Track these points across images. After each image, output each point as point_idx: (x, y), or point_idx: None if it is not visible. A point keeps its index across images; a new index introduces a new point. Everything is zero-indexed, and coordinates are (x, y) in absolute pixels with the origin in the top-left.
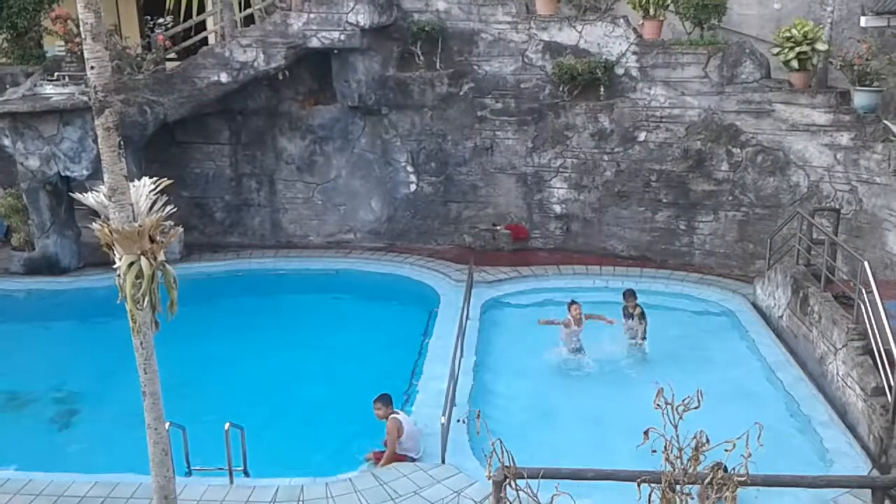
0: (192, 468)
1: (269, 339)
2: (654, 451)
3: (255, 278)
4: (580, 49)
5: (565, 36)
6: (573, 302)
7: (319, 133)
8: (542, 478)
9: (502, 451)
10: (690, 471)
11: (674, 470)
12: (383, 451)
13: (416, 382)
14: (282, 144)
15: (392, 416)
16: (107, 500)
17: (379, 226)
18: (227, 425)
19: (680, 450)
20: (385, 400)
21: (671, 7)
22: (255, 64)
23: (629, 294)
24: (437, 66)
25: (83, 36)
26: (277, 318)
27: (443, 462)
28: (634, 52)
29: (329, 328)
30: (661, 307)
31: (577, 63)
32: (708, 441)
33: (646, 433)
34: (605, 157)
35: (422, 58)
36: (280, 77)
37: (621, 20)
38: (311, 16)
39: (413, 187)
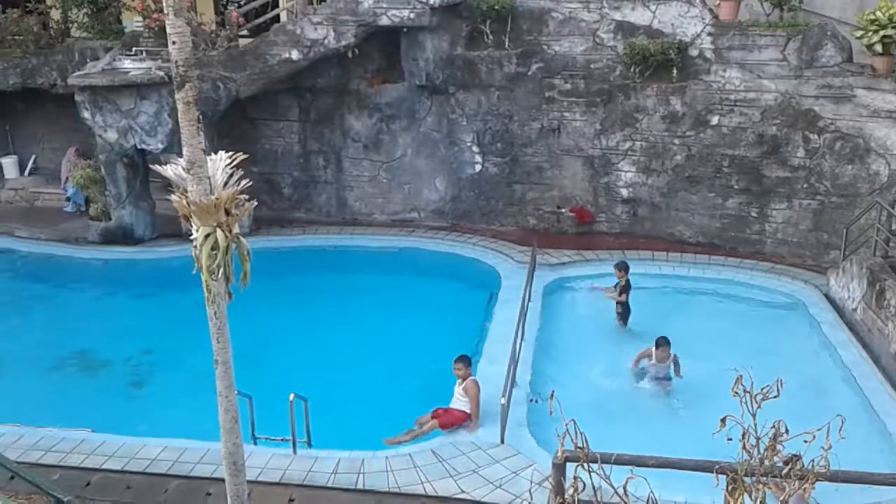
0: (257, 437)
1: (332, 314)
2: (730, 440)
3: (320, 254)
4: (653, 29)
5: (638, 16)
6: (621, 268)
7: (386, 111)
8: (604, 462)
9: (576, 433)
10: (767, 462)
11: (751, 459)
12: (435, 410)
13: (477, 363)
14: (349, 122)
15: (471, 377)
16: (175, 465)
17: (443, 205)
18: (291, 396)
19: (757, 439)
20: (466, 360)
21: None
22: (326, 41)
23: (621, 266)
24: (506, 45)
25: (166, 12)
26: (341, 293)
27: (502, 442)
28: (710, 34)
29: (391, 306)
30: (730, 296)
31: (649, 44)
32: (787, 431)
33: (723, 420)
34: (676, 141)
35: (490, 37)
36: (349, 55)
37: (697, 0)
38: None
39: (478, 167)
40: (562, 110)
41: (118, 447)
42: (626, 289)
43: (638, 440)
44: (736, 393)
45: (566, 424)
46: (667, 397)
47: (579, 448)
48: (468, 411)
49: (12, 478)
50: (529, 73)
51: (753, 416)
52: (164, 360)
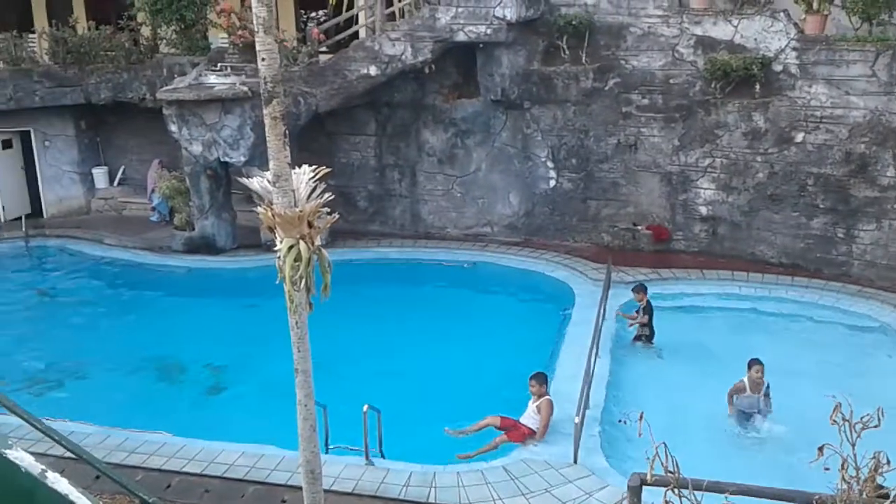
0: (331, 446)
1: (405, 327)
2: (828, 469)
3: (394, 266)
4: (735, 44)
5: (720, 30)
6: (639, 290)
7: (461, 126)
8: (682, 487)
9: (666, 456)
10: (867, 494)
11: (850, 491)
12: (507, 418)
13: (549, 380)
14: (424, 137)
15: (546, 395)
16: (252, 471)
17: (516, 220)
18: (365, 407)
19: (857, 470)
20: (542, 378)
21: (836, 1)
22: (403, 57)
23: (639, 288)
24: (583, 60)
25: (256, 29)
26: (414, 306)
27: (575, 462)
28: (794, 48)
29: (463, 320)
30: (814, 320)
31: (731, 59)
32: (888, 462)
33: (820, 449)
34: (758, 158)
35: (567, 52)
36: (426, 70)
37: (781, 14)
38: (459, 10)
39: (552, 183)
40: (639, 126)
41: (198, 451)
42: (647, 310)
43: (720, 465)
44: (834, 421)
45: (656, 447)
46: (754, 428)
47: (670, 472)
48: (535, 429)
49: (98, 477)
50: (606, 89)
51: (853, 445)
52: (242, 367)
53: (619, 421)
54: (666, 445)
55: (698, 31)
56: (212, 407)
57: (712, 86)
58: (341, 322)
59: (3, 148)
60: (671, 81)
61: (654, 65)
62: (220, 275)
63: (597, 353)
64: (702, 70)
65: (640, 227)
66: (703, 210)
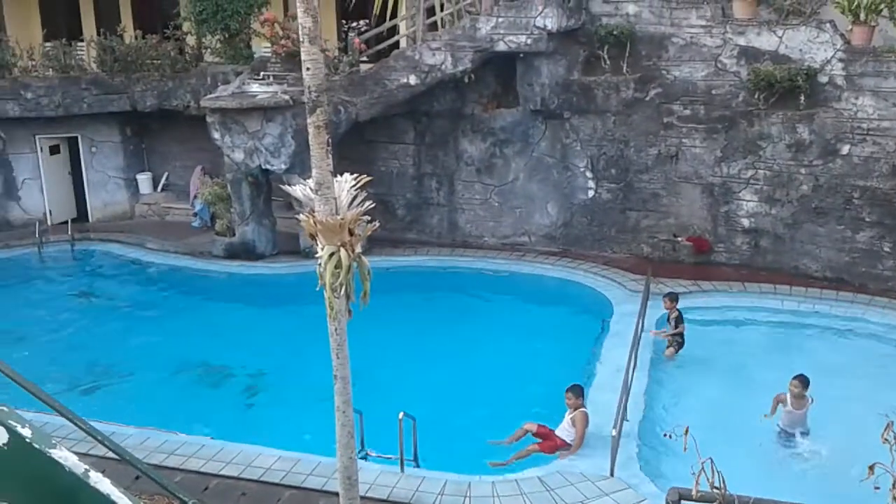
0: (366, 452)
1: (441, 335)
2: (878, 489)
3: (431, 275)
4: (779, 55)
5: (764, 41)
6: (672, 298)
7: (500, 136)
8: None
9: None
10: None
11: None
12: (543, 426)
13: (586, 391)
14: (463, 146)
15: (582, 408)
16: (288, 475)
17: (554, 230)
18: (400, 415)
19: None
20: (578, 390)
21: (885, 12)
22: (443, 67)
23: (673, 297)
24: (624, 70)
25: (301, 39)
26: (451, 314)
27: (611, 475)
28: (841, 60)
29: (500, 329)
30: (858, 334)
31: (775, 69)
32: None
33: (871, 468)
34: (803, 171)
35: (608, 62)
36: (465, 80)
37: (827, 25)
38: (500, 20)
39: (591, 193)
40: (680, 136)
41: (235, 454)
42: (679, 320)
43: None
44: (886, 440)
45: (702, 462)
46: (797, 444)
47: (716, 488)
48: (569, 442)
49: (138, 478)
50: (647, 99)
51: None
52: (280, 372)
53: (665, 435)
54: (712, 461)
55: (742, 41)
56: (250, 410)
57: (756, 97)
58: (378, 329)
59: (51, 153)
60: (714, 92)
61: (696, 75)
62: (260, 280)
63: (634, 366)
64: (745, 81)
65: (680, 239)
66: (746, 222)
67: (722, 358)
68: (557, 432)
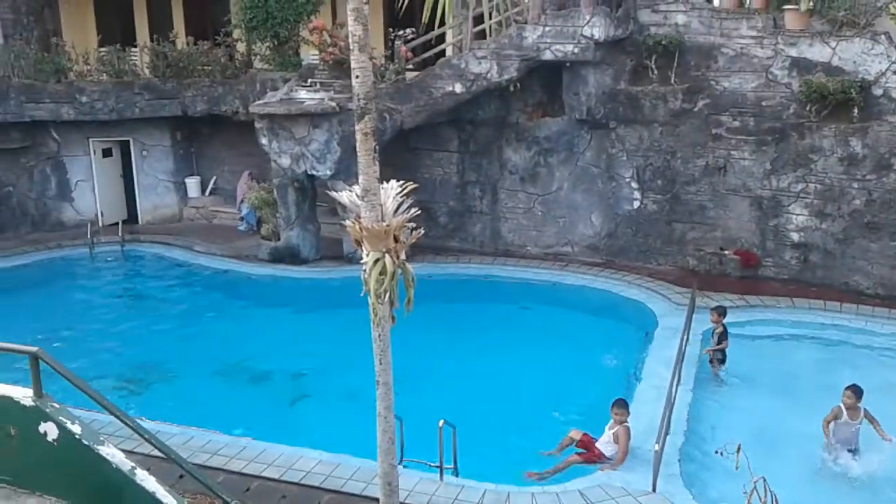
0: (405, 459)
1: (482, 344)
2: None
3: (472, 283)
4: (832, 67)
5: (816, 52)
6: (720, 312)
7: (545, 145)
8: None
9: (765, 491)
10: None
11: None
12: (587, 435)
13: (629, 405)
14: (507, 154)
15: (625, 423)
16: (328, 479)
17: (598, 241)
18: (440, 423)
19: None
20: (625, 405)
21: None
22: (489, 75)
23: (721, 311)
24: (672, 80)
25: (350, 47)
26: (492, 323)
27: (653, 490)
28: None
29: (542, 340)
30: None
31: (828, 81)
32: None
33: None
34: (855, 185)
35: (656, 72)
36: (511, 88)
37: (882, 37)
38: (547, 28)
39: (636, 204)
40: (729, 148)
41: (277, 457)
42: (724, 336)
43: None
44: None
45: (754, 481)
46: (849, 464)
47: None
48: (609, 456)
49: (181, 476)
50: (695, 110)
51: None
52: (321, 375)
53: (717, 452)
54: (765, 480)
55: (793, 52)
56: (291, 412)
57: (807, 109)
58: (418, 336)
59: (104, 156)
60: (764, 104)
61: (746, 86)
62: (304, 284)
63: (679, 380)
64: (796, 92)
65: (727, 252)
66: (795, 236)
67: (769, 375)
68: (598, 445)
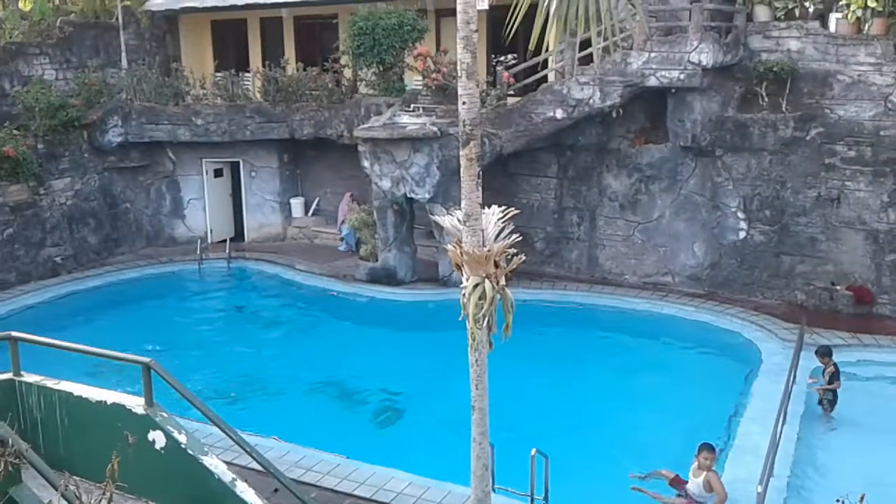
0: (496, 486)
1: (577, 373)
2: None
3: (568, 310)
4: None
5: None
6: (824, 353)
7: (647, 172)
8: None
9: None
10: None
11: None
12: (679, 477)
13: (730, 442)
14: (607, 181)
15: (713, 469)
16: (419, 501)
17: (700, 271)
18: (533, 451)
19: None
20: (714, 450)
21: None
22: (591, 101)
23: (825, 352)
24: (783, 108)
25: (458, 74)
26: (587, 352)
27: None
28: None
29: (638, 370)
30: None
31: None
32: None
33: None
34: None
35: (766, 99)
36: (613, 114)
37: None
38: (652, 55)
39: (742, 234)
40: (843, 179)
41: (369, 475)
42: (835, 376)
43: None
44: None
45: None
46: None
47: None
48: (699, 502)
49: (276, 490)
50: (808, 138)
51: None
52: (414, 397)
53: (838, 501)
54: None
55: None
56: (383, 432)
57: None
58: (512, 362)
59: (215, 176)
60: (882, 133)
61: (863, 115)
62: (399, 305)
63: (784, 420)
64: None
65: (839, 288)
66: None
67: (884, 418)
68: (688, 487)
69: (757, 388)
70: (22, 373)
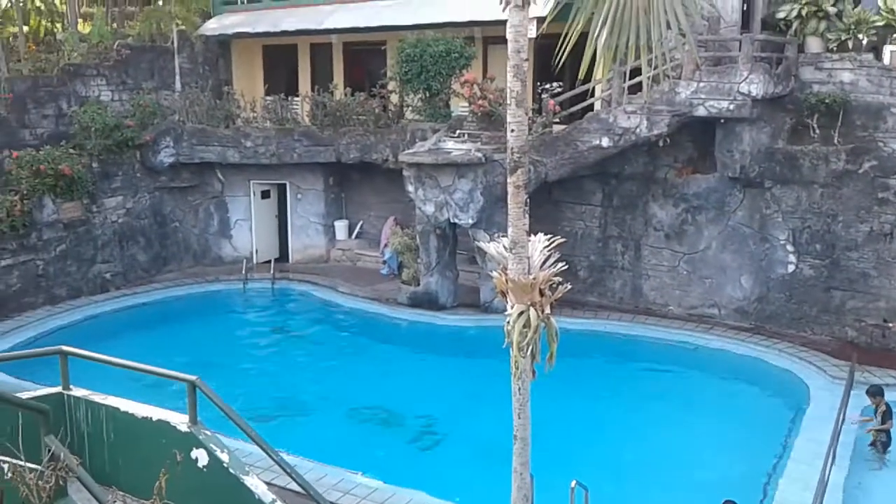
0: None
1: (619, 404)
2: None
3: (610, 341)
4: None
5: None
6: (875, 393)
7: (693, 202)
8: None
9: None
10: None
11: None
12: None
13: (776, 481)
14: (652, 210)
15: None
16: None
17: (747, 305)
18: (573, 483)
19: None
20: None
21: None
22: (638, 130)
23: (876, 391)
24: (835, 140)
25: (507, 102)
26: (630, 384)
27: None
28: None
29: (682, 405)
30: None
31: None
32: None
33: None
34: None
35: (817, 131)
36: (660, 144)
37: None
38: (701, 84)
39: (791, 268)
40: None
41: (406, 501)
42: (888, 415)
43: None
44: None
45: None
46: None
47: None
48: None
49: None
50: (860, 172)
51: None
52: (453, 423)
53: None
54: None
55: None
56: (421, 457)
57: None
58: (553, 391)
59: (262, 197)
60: None
61: None
62: (440, 330)
63: (833, 461)
64: None
65: (891, 325)
66: None
67: None
68: None
69: (805, 428)
70: (71, 387)
